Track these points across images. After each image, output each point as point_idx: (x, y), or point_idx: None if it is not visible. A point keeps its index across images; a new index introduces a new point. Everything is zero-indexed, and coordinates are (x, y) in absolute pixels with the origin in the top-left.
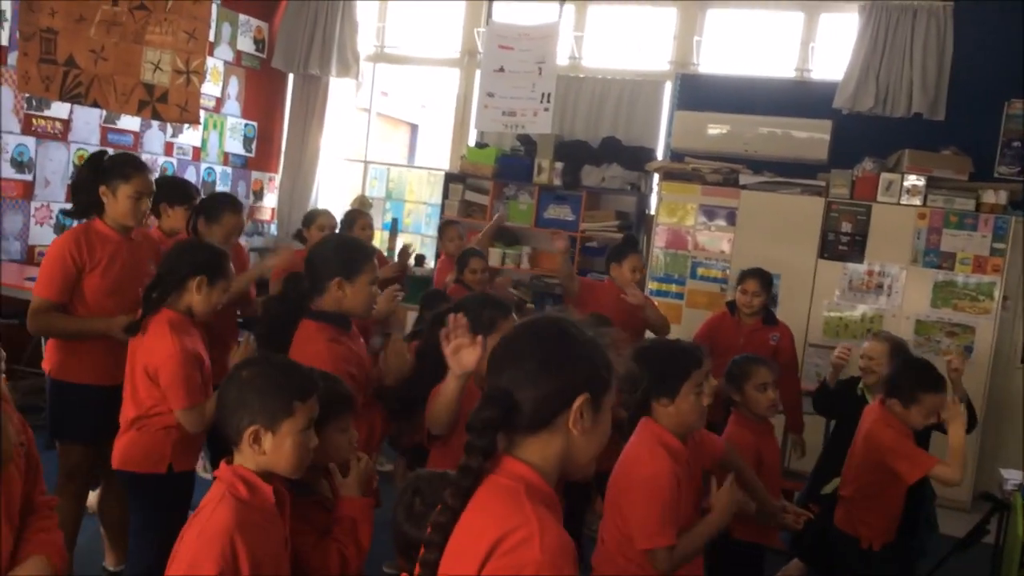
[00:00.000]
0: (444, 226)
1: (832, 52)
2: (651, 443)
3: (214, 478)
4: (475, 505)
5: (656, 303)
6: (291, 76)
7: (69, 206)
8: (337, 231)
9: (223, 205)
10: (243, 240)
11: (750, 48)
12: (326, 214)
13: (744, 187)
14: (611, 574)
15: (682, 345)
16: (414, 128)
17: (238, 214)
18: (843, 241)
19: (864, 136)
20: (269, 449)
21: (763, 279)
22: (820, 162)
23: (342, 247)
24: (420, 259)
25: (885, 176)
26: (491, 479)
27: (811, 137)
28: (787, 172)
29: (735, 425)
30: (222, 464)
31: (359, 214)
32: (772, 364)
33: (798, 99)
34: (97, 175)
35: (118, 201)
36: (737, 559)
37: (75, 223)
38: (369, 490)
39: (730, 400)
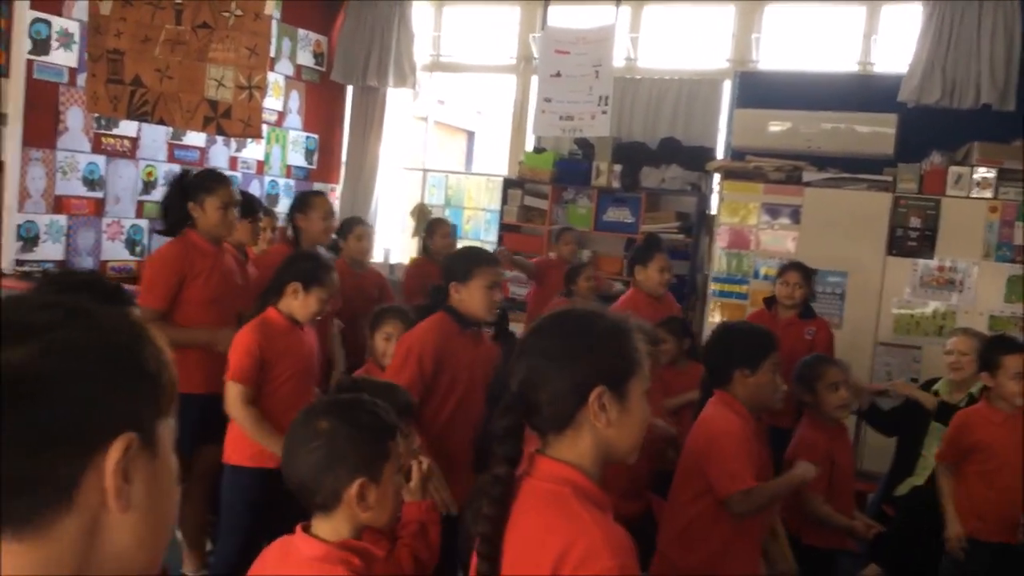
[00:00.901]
0: (561, 231)
1: (896, 44)
2: (720, 408)
3: None
4: (525, 515)
5: (719, 304)
6: (350, 88)
7: (139, 222)
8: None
9: (310, 195)
10: None
11: (810, 43)
12: (363, 223)
13: (808, 184)
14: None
15: (761, 327)
16: (470, 135)
17: (324, 195)
18: (912, 237)
19: (931, 129)
20: (375, 502)
21: (804, 271)
22: (886, 157)
23: (460, 253)
24: None
25: (954, 169)
26: (532, 484)
27: (876, 132)
28: (852, 168)
29: (807, 427)
30: (310, 541)
31: (440, 223)
32: (843, 363)
33: (861, 93)
34: (184, 192)
35: (207, 213)
36: (809, 564)
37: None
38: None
39: (801, 402)
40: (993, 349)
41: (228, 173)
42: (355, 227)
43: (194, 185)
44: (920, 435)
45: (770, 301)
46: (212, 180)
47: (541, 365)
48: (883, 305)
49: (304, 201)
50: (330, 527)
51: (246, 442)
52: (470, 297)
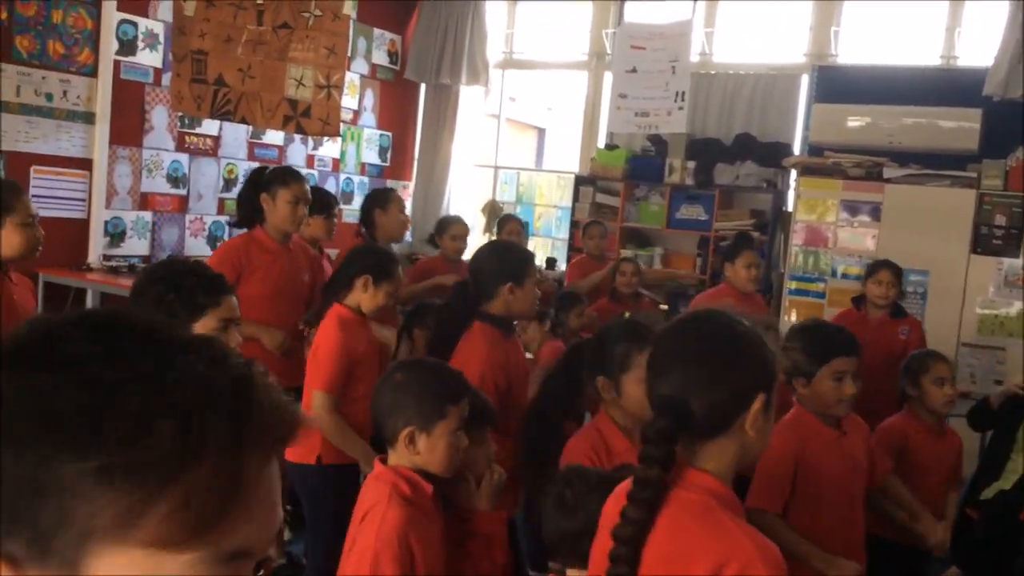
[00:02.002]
0: (588, 225)
1: (980, 37)
2: (785, 422)
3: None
4: (670, 527)
5: (795, 303)
6: (423, 86)
7: (220, 218)
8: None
9: (388, 191)
10: None
11: (891, 36)
12: (460, 223)
13: (888, 180)
14: None
15: (832, 330)
16: (541, 132)
17: (397, 191)
18: (997, 235)
19: (1017, 124)
20: (423, 449)
21: (895, 270)
22: (970, 152)
23: (508, 253)
24: (551, 262)
25: None
26: (679, 495)
27: (960, 127)
28: (934, 164)
29: (899, 416)
30: (377, 464)
31: (509, 218)
32: (951, 361)
33: (944, 87)
34: (258, 186)
35: (277, 207)
36: (895, 560)
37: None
38: (501, 503)
39: (903, 394)
40: None
41: (305, 171)
42: (451, 226)
43: (269, 179)
44: (1010, 440)
45: (858, 300)
46: (287, 175)
47: (698, 371)
48: (966, 305)
49: (384, 196)
50: (394, 458)
51: (303, 439)
52: (524, 297)
